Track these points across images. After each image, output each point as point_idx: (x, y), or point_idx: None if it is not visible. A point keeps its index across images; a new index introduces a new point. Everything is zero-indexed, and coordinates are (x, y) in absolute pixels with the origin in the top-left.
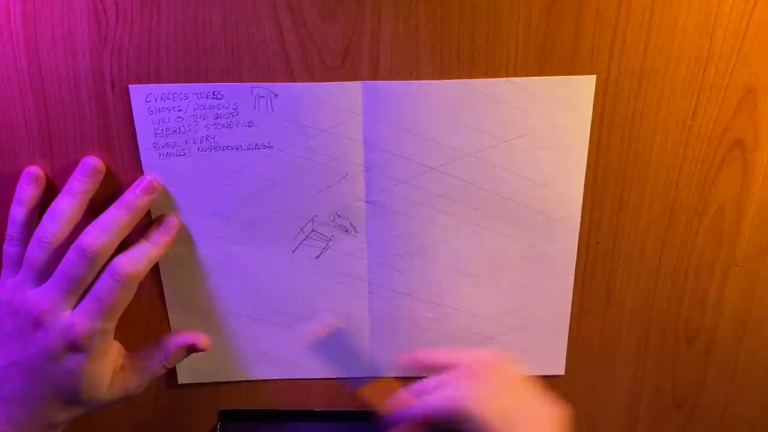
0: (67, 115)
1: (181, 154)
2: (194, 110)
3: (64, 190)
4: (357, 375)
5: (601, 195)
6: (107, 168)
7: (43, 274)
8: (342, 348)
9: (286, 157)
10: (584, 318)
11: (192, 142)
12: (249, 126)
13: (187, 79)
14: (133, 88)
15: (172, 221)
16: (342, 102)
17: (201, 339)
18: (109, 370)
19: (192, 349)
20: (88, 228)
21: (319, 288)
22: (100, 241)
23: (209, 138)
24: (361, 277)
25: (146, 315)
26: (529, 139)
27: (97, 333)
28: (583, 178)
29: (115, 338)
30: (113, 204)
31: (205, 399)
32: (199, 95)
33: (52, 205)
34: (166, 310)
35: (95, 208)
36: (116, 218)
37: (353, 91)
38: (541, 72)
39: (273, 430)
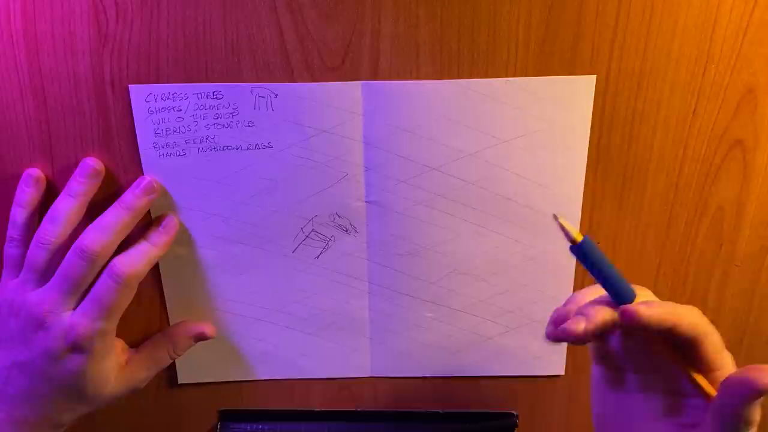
0: (67, 116)
1: (181, 154)
2: (194, 110)
3: (64, 191)
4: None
5: (601, 195)
6: (107, 168)
7: (44, 276)
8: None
9: (286, 157)
10: None
11: (192, 142)
12: (249, 126)
13: (187, 79)
14: (133, 88)
15: (172, 221)
16: (342, 102)
17: (207, 327)
18: (112, 368)
19: (199, 337)
20: (88, 229)
21: (319, 288)
22: (99, 242)
23: (209, 138)
24: (361, 277)
25: (146, 315)
26: (528, 139)
27: (98, 333)
28: (583, 178)
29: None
30: (113, 204)
31: (205, 399)
32: (199, 95)
33: (52, 207)
34: (166, 310)
35: (95, 208)
36: (116, 219)
37: (353, 91)
38: (541, 72)
39: (273, 430)
